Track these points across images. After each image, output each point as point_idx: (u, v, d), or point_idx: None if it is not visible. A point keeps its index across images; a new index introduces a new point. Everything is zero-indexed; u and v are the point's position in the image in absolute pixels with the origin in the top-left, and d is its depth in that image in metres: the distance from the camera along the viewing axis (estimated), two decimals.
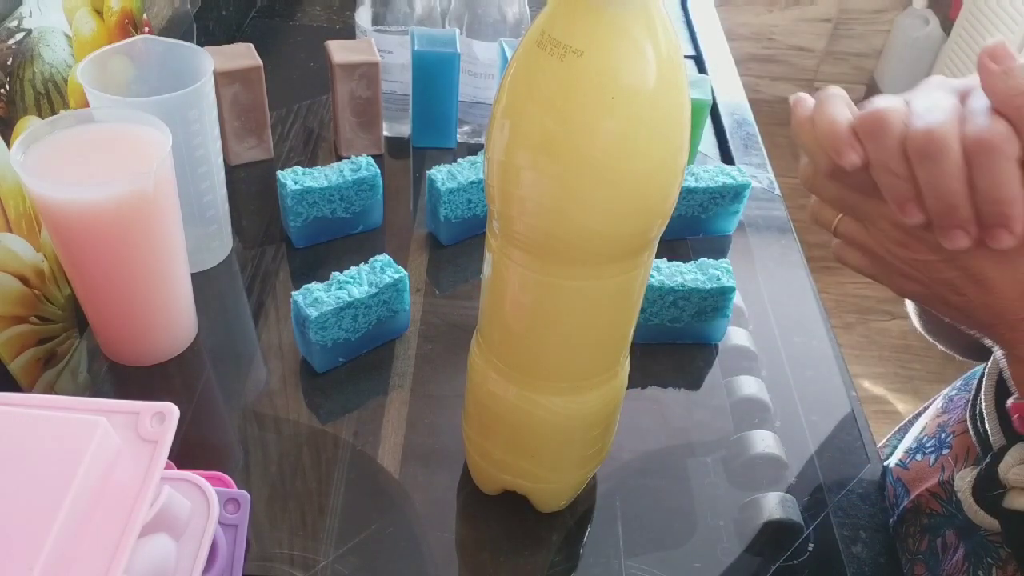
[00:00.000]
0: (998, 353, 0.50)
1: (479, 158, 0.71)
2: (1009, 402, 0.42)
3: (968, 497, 0.45)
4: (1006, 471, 0.45)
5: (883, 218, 0.39)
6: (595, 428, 0.46)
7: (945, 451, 0.52)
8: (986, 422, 0.51)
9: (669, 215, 0.37)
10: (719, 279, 0.61)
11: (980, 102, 0.34)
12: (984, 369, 0.52)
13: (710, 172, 0.72)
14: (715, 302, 0.61)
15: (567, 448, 0.46)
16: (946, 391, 0.64)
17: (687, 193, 0.71)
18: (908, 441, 0.59)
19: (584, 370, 0.42)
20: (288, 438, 0.55)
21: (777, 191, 0.82)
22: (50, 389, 0.57)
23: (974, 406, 0.53)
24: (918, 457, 0.55)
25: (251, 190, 0.76)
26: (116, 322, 0.57)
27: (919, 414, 0.63)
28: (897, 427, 0.66)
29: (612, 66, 0.31)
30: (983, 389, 0.51)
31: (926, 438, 0.56)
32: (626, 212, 0.34)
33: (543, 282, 0.37)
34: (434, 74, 0.77)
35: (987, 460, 0.45)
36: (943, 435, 0.54)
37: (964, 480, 0.45)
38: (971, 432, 0.53)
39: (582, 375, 0.42)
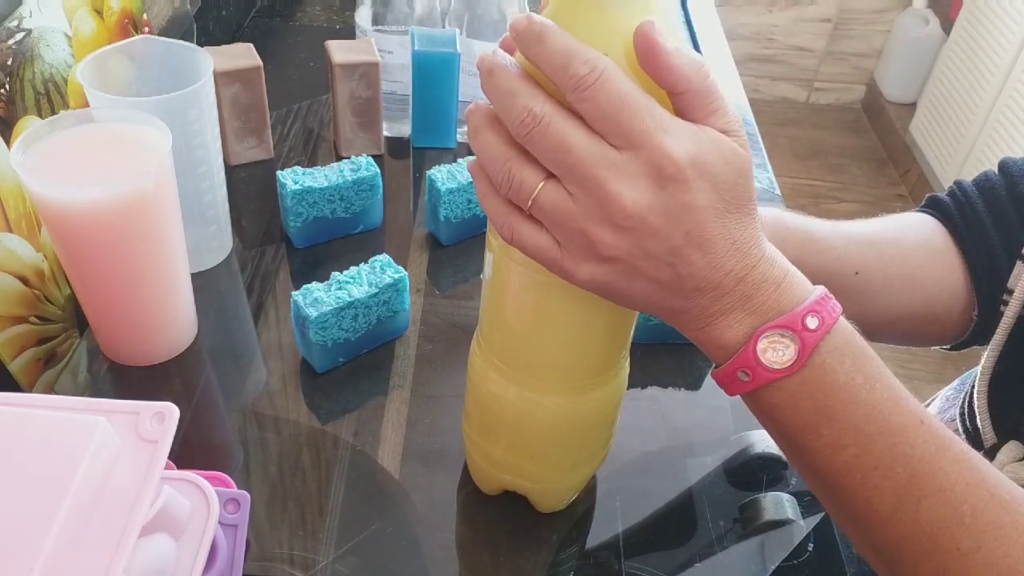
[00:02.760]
0: (989, 352, 0.50)
1: None
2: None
3: None
4: (999, 468, 0.45)
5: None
6: (595, 428, 0.46)
7: None
8: (978, 420, 0.50)
9: None
10: None
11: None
12: (978, 369, 0.52)
13: None
14: None
15: (567, 448, 0.46)
16: (943, 391, 0.64)
17: None
18: None
19: (584, 370, 0.42)
20: (288, 438, 0.55)
21: (777, 191, 0.82)
22: (50, 389, 0.57)
23: (967, 404, 0.53)
24: None
25: (251, 190, 0.76)
26: (116, 322, 0.57)
27: None
28: None
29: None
30: (976, 387, 0.51)
31: None
32: None
33: (543, 282, 0.37)
34: (434, 74, 0.77)
35: None
36: None
37: None
38: (960, 431, 0.53)
39: (582, 375, 0.42)
